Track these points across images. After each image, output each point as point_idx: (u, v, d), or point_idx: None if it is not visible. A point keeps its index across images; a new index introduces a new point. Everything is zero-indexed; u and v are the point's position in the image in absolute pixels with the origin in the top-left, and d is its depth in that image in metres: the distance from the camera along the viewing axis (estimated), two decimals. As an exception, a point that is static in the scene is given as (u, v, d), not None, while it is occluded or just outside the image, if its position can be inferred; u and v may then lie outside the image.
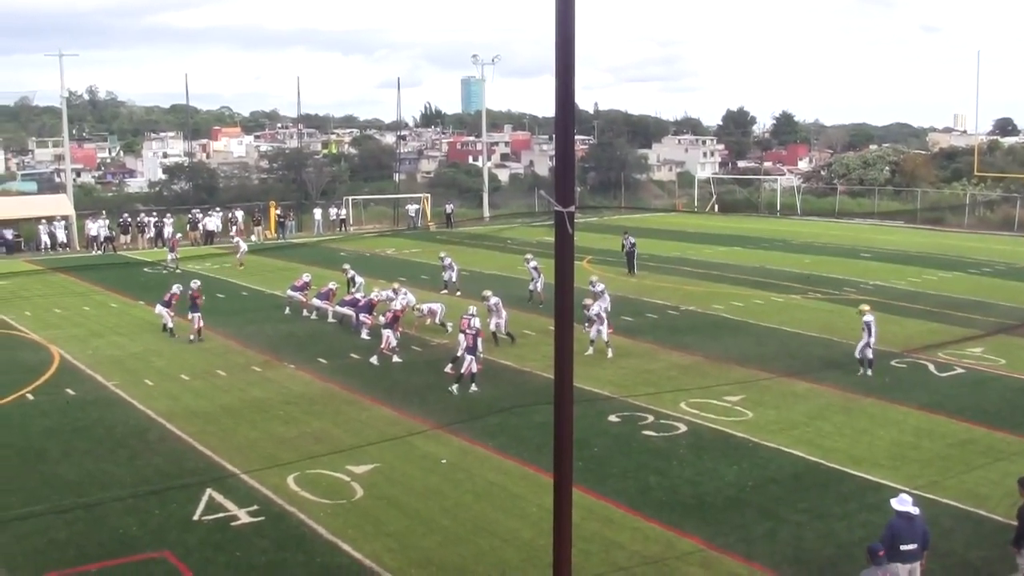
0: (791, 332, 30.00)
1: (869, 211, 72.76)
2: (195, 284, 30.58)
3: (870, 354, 24.60)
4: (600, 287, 30.04)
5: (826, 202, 79.18)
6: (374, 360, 26.06)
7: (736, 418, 20.99)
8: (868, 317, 24.77)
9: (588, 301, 27.76)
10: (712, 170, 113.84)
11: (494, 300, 28.16)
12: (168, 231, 57.33)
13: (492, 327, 27.55)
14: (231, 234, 57.35)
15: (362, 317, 29.75)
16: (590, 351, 26.52)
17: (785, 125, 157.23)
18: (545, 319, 30.11)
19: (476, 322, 24.03)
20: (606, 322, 27.23)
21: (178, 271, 43.24)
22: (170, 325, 29.92)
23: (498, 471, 17.95)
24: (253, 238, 59.41)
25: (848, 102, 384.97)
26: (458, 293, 36.43)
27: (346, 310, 30.95)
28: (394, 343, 26.63)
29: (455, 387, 23.23)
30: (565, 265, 9.83)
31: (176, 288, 30.70)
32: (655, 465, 18.14)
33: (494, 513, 15.99)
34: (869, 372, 24.45)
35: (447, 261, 37.87)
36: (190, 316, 29.34)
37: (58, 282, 41.30)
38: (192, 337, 28.96)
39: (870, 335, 24.48)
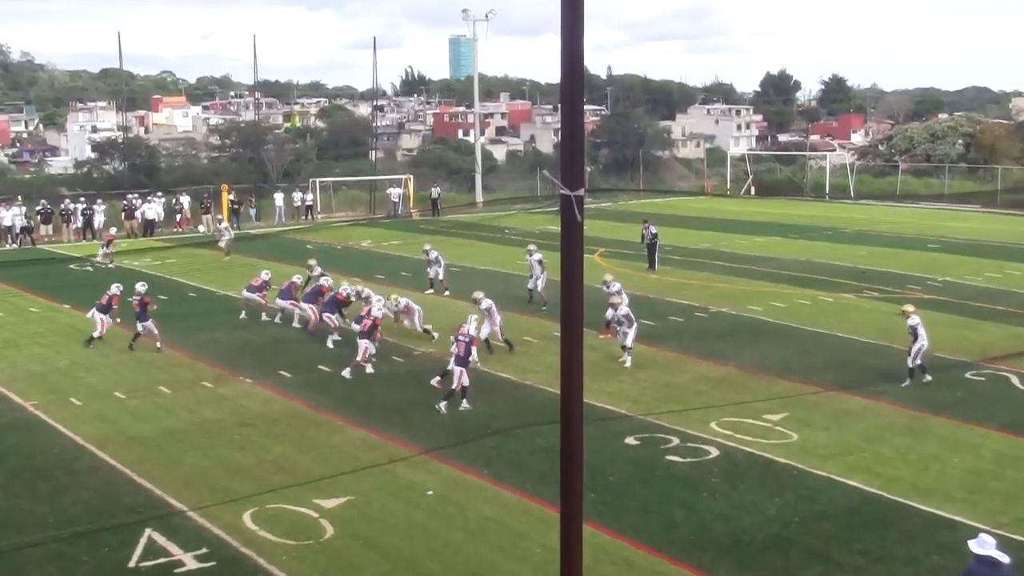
0: (843, 338, 30.05)
1: (938, 193, 72.80)
2: (141, 287, 30.15)
3: (919, 361, 24.86)
4: (616, 287, 30.09)
5: (885, 183, 79.37)
6: (346, 374, 26.09)
7: (778, 441, 21.02)
8: (914, 320, 24.88)
9: (616, 299, 27.94)
10: (748, 145, 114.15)
11: (487, 303, 28.17)
12: (99, 220, 57.41)
13: (484, 335, 27.56)
14: (212, 222, 57.05)
15: (327, 317, 29.79)
16: (628, 361, 26.88)
17: (836, 91, 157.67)
18: (549, 323, 30.13)
19: (472, 328, 24.16)
20: (632, 329, 27.48)
21: (111, 266, 43.36)
22: (98, 334, 29.75)
23: (495, 504, 17.96)
24: (201, 228, 59.52)
25: (912, 63, 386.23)
26: (446, 293, 36.51)
27: (306, 308, 31.10)
28: (372, 351, 26.73)
29: (443, 404, 23.26)
30: (573, 258, 9.83)
31: (115, 288, 30.43)
32: (682, 497, 18.16)
33: (490, 555, 16.01)
34: (908, 382, 24.75)
35: (432, 255, 37.93)
36: (140, 328, 29.22)
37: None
38: (159, 345, 29.15)
39: (920, 340, 24.64)
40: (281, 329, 31.76)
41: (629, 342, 27.29)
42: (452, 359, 23.76)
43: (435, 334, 29.34)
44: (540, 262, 34.81)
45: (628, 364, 26.80)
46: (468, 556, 15.94)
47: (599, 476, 18.54)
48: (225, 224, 54.84)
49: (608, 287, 30.17)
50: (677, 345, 29.07)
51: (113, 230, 51.60)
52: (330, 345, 29.06)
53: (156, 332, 29.30)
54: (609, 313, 28.12)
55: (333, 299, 30.35)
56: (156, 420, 22.97)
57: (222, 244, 47.16)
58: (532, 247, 36.14)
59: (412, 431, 21.83)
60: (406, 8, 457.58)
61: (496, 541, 16.46)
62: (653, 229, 42.90)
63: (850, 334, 30.40)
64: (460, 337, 23.66)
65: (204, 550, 16.06)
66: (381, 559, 15.85)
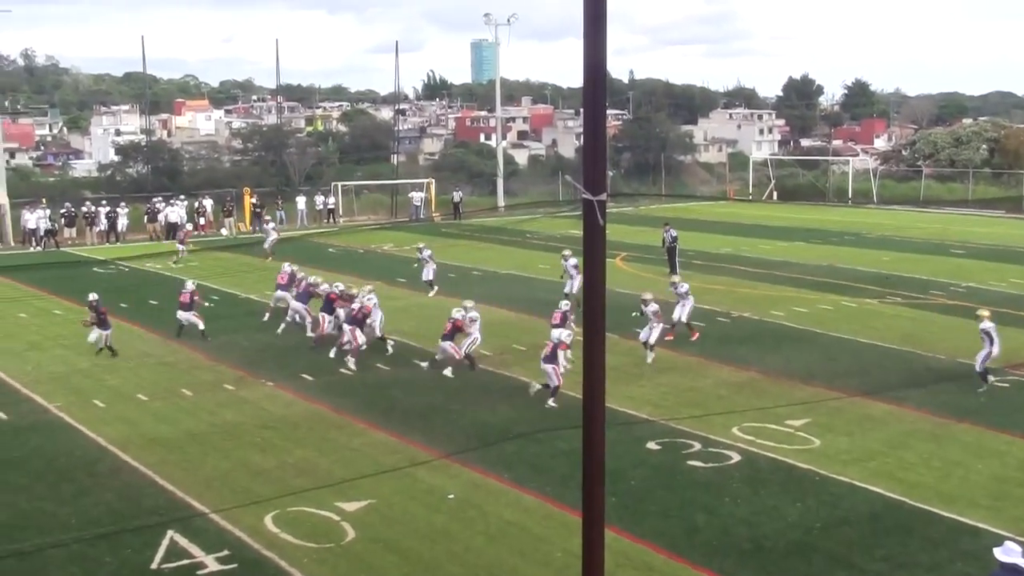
0: (866, 343, 29.95)
1: (962, 198, 72.56)
2: (191, 284, 31.80)
3: (984, 367, 24.91)
4: (684, 287, 30.76)
5: (909, 188, 79.06)
6: (351, 365, 26.69)
7: (800, 446, 20.96)
8: (987, 324, 24.83)
9: (647, 296, 28.12)
10: (770, 150, 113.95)
11: (472, 315, 27.91)
12: (122, 223, 57.75)
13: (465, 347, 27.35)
14: (235, 224, 57.36)
15: (296, 306, 30.85)
16: (650, 358, 27.33)
17: (859, 96, 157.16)
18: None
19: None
20: (659, 327, 27.76)
21: (178, 265, 44.11)
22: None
23: (516, 508, 17.96)
24: (224, 231, 59.74)
25: (936, 67, 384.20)
26: (433, 291, 36.59)
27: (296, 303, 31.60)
28: (362, 341, 27.33)
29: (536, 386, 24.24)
30: (596, 263, 9.85)
31: (191, 284, 31.86)
32: (703, 502, 18.12)
33: (511, 558, 16.01)
34: (984, 387, 24.79)
35: (426, 254, 38.16)
36: (182, 318, 30.94)
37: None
38: (202, 328, 30.76)
39: (990, 345, 24.59)
40: (302, 333, 31.77)
41: (653, 339, 27.58)
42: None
43: (390, 348, 29.13)
44: (576, 267, 34.88)
45: (650, 360, 27.21)
46: (489, 560, 15.94)
47: (620, 480, 18.52)
48: (273, 224, 55.08)
49: (676, 288, 30.77)
50: (699, 350, 29.02)
51: (189, 226, 52.50)
52: (311, 335, 30.07)
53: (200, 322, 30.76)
54: (676, 313, 29.89)
55: (306, 290, 31.35)
56: (178, 422, 23.06)
57: (267, 245, 47.36)
58: (567, 252, 36.12)
59: (433, 435, 21.86)
60: (427, 12, 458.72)
61: (517, 545, 16.46)
62: (673, 233, 42.81)
63: (873, 340, 30.28)
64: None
65: (226, 552, 16.11)
66: (402, 562, 15.86)
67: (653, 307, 27.72)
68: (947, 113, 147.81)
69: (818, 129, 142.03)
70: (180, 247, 47.37)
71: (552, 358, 23.99)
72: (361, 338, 27.28)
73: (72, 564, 15.85)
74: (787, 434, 21.66)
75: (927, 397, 24.14)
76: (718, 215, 66.21)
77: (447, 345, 26.61)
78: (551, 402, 23.61)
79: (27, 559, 16.03)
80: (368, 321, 28.58)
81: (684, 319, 30.18)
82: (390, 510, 17.81)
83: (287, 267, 33.64)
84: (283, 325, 31.47)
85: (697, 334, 30.15)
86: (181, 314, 31.00)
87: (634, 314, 28.37)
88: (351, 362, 26.95)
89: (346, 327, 27.60)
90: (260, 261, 45.84)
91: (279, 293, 32.56)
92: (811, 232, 56.31)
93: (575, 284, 34.53)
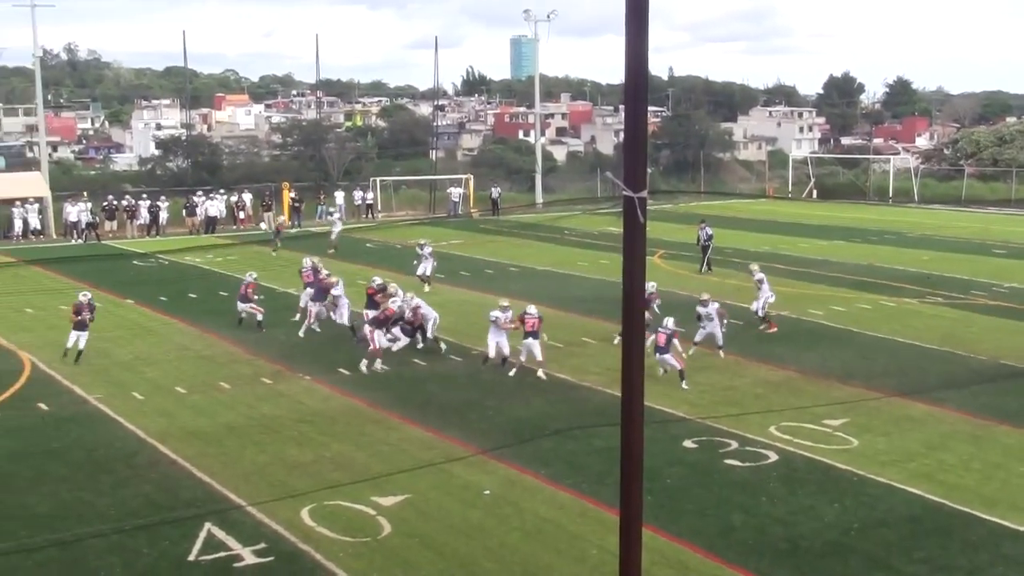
0: (905, 343, 29.76)
1: (1004, 198, 71.93)
2: (250, 276, 32.32)
3: None
4: (760, 275, 31.74)
5: (950, 187, 78.48)
6: (363, 368, 26.52)
7: (838, 446, 20.85)
8: None
9: (706, 296, 28.32)
10: (810, 148, 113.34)
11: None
12: (163, 216, 58.16)
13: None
14: (276, 218, 57.50)
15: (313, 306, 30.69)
16: (690, 351, 27.29)
17: (900, 94, 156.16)
18: (609, 324, 30.13)
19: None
20: (720, 325, 27.92)
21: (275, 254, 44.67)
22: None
23: (551, 505, 17.95)
24: (263, 225, 59.99)
25: (980, 65, 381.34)
26: (427, 288, 36.60)
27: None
28: (384, 345, 27.06)
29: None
30: (635, 260, 9.83)
31: (250, 277, 32.31)
32: (739, 501, 18.07)
33: (547, 555, 16.00)
34: None
35: (426, 250, 38.46)
36: (241, 310, 31.58)
37: (30, 276, 41.83)
38: (260, 318, 31.01)
39: None
40: (340, 327, 31.81)
41: (721, 339, 27.86)
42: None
43: (443, 345, 28.91)
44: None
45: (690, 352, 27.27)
46: (524, 556, 15.94)
47: (656, 479, 18.47)
48: (338, 215, 55.28)
49: (754, 275, 31.92)
50: (736, 348, 28.89)
51: (282, 218, 52.96)
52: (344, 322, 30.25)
53: (259, 309, 31.04)
54: (754, 305, 31.23)
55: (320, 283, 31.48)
56: (216, 415, 23.19)
57: (333, 237, 47.64)
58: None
59: (469, 431, 21.89)
60: (467, 8, 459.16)
61: (552, 542, 16.45)
62: (709, 231, 42.72)
63: (912, 340, 30.08)
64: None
65: (262, 545, 16.18)
66: (437, 558, 15.89)
67: (714, 306, 27.88)
68: (990, 112, 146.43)
69: (859, 127, 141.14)
70: (276, 238, 47.96)
71: (665, 348, 25.15)
72: (382, 342, 26.90)
73: (111, 554, 15.96)
74: (825, 434, 21.55)
75: (967, 398, 23.94)
76: (757, 213, 65.91)
77: (531, 343, 26.17)
78: (684, 384, 24.78)
79: (67, 549, 16.17)
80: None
81: (761, 311, 31.15)
82: (426, 505, 17.84)
83: (308, 262, 33.61)
84: (305, 327, 31.13)
85: (775, 327, 30.84)
86: (240, 305, 31.38)
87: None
88: (363, 365, 26.53)
89: (367, 328, 27.16)
90: (297, 256, 45.85)
91: (309, 291, 32.53)
92: (850, 231, 56.00)
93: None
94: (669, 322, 25.66)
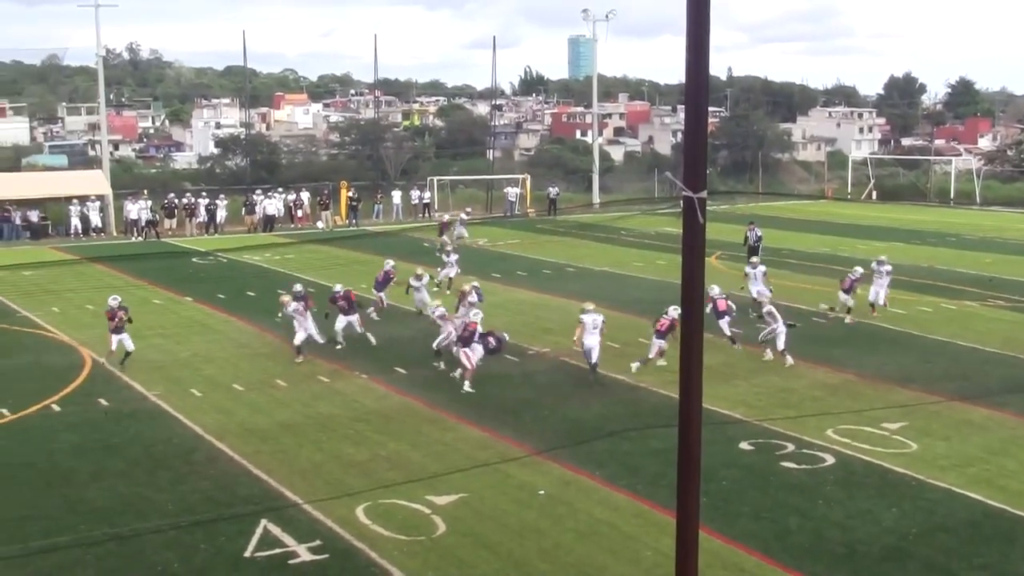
0: (966, 347, 29.44)
1: (1069, 200, 71.02)
2: (339, 288, 31.01)
3: None
4: (888, 267, 33.43)
5: (1014, 189, 77.65)
6: (467, 388, 25.18)
7: (896, 450, 20.67)
8: None
9: (766, 292, 28.39)
10: (870, 149, 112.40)
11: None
12: (221, 215, 58.68)
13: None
14: (337, 217, 57.72)
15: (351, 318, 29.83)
16: (768, 355, 27.53)
17: (963, 94, 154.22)
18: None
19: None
20: (780, 321, 27.66)
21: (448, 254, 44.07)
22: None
23: (606, 506, 17.94)
24: (320, 224, 60.37)
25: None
26: (447, 292, 36.06)
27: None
28: (477, 361, 25.53)
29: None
30: (695, 261, 9.79)
31: (389, 264, 33.28)
32: (796, 504, 17.96)
33: (601, 556, 15.98)
34: None
35: (453, 258, 38.76)
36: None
37: (92, 274, 42.27)
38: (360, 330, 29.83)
39: None
40: (396, 326, 31.93)
41: (782, 344, 27.41)
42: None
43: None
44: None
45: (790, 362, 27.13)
46: (578, 557, 15.93)
47: (712, 480, 18.38)
48: (456, 256, 55.21)
49: (880, 265, 33.58)
50: (793, 350, 28.70)
51: (446, 216, 54.05)
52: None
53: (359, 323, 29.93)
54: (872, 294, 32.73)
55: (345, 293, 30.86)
56: (273, 413, 23.36)
57: (456, 237, 48.14)
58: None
59: (525, 431, 21.89)
60: (524, 8, 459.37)
61: (607, 543, 16.43)
62: (758, 232, 42.56)
63: (973, 343, 29.77)
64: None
65: (318, 542, 16.29)
66: (492, 557, 15.91)
67: (768, 308, 27.72)
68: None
69: (920, 128, 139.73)
70: (454, 229, 48.40)
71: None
72: (476, 359, 25.47)
73: (168, 550, 16.11)
74: (883, 437, 21.36)
75: (1028, 403, 23.65)
76: (815, 214, 65.48)
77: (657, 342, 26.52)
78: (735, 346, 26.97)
79: (125, 543, 16.35)
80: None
81: (881, 300, 32.72)
82: (481, 505, 17.87)
83: (389, 264, 33.67)
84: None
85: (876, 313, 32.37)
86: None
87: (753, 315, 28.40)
88: (467, 386, 25.13)
89: (456, 351, 25.99)
90: (355, 255, 46.10)
91: (379, 293, 32.71)
92: (910, 233, 55.49)
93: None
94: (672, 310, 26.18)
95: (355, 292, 31.06)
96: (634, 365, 26.24)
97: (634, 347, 28.76)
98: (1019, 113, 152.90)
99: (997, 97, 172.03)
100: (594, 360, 25.70)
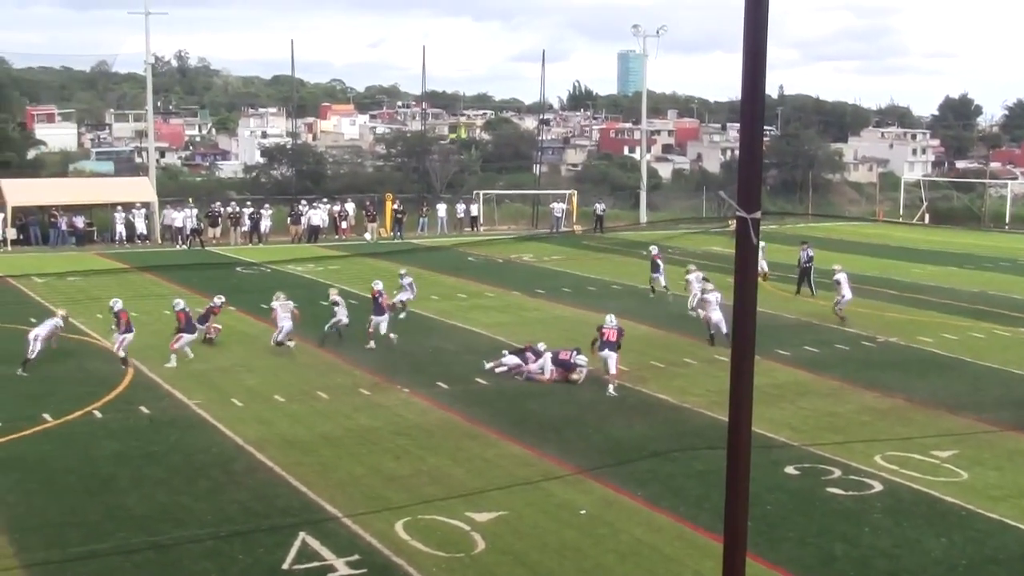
0: (1020, 375, 29.12)
1: None
2: (377, 284, 31.98)
3: None
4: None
5: (1070, 214, 76.73)
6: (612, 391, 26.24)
7: (946, 478, 20.45)
8: None
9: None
10: (923, 171, 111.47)
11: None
12: (266, 224, 59.07)
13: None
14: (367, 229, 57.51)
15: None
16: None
17: (1020, 116, 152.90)
18: (711, 346, 30.11)
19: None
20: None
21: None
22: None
23: (648, 527, 17.86)
24: (367, 236, 60.58)
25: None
26: (402, 315, 35.05)
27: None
28: (546, 375, 27.38)
29: None
30: (748, 281, 9.75)
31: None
32: (842, 530, 17.81)
33: (642, 579, 15.90)
34: None
35: (406, 280, 36.54)
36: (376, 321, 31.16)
37: (137, 281, 42.55)
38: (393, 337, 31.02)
39: None
40: (440, 340, 31.98)
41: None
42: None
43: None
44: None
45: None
46: (619, 579, 15.87)
47: (757, 504, 18.22)
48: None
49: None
50: (841, 374, 28.53)
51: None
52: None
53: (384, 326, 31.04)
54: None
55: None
56: (313, 425, 23.44)
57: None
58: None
59: (567, 449, 21.84)
60: (574, 22, 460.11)
61: (648, 564, 16.36)
62: (810, 252, 42.18)
63: (1027, 371, 29.47)
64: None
65: (356, 557, 16.31)
66: (531, 576, 15.89)
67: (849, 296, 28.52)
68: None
69: (975, 150, 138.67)
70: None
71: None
72: (546, 369, 27.42)
73: (206, 559, 16.19)
74: (933, 465, 21.15)
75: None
76: (866, 236, 65.01)
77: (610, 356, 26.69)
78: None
79: (164, 552, 16.45)
80: None
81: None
82: (521, 523, 17.84)
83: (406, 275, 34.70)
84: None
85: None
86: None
87: None
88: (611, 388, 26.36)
89: (547, 369, 27.46)
90: (397, 268, 46.19)
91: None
92: (964, 257, 55.03)
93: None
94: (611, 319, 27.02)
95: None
96: (610, 388, 26.20)
97: (680, 367, 28.70)
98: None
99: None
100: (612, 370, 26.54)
